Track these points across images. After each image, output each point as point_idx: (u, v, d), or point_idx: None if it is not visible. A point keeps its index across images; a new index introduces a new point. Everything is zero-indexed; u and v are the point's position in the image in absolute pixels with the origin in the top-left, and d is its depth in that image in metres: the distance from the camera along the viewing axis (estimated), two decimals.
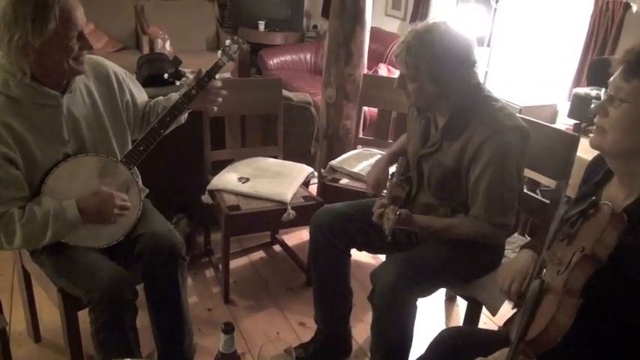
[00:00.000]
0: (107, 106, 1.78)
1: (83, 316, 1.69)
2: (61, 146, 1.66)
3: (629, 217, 1.08)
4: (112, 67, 1.84)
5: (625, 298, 1.10)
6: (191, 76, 1.88)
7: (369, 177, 2.09)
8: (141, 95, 1.95)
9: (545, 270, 1.20)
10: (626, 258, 1.07)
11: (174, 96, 1.89)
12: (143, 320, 1.86)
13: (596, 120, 1.17)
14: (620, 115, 1.11)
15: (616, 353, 1.15)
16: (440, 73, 1.65)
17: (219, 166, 2.66)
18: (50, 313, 2.11)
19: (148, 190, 1.93)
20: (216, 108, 1.93)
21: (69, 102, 1.67)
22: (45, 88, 1.58)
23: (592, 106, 1.19)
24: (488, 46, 3.73)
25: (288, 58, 5.62)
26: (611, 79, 1.15)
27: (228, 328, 1.19)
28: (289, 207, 2.40)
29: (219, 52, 1.91)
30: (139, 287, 1.81)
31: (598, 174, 1.30)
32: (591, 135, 1.20)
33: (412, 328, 1.74)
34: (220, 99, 1.90)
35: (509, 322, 1.46)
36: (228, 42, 1.93)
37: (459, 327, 1.93)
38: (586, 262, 1.06)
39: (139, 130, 1.95)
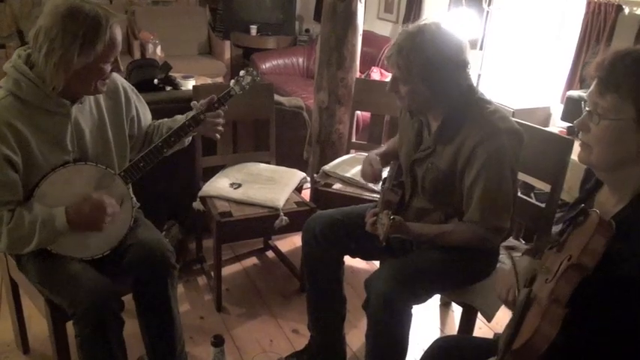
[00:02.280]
0: (112, 121, 1.79)
1: (72, 327, 1.65)
2: (63, 154, 1.66)
3: (619, 224, 1.06)
4: (121, 81, 1.84)
5: (613, 306, 1.08)
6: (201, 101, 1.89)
7: (363, 170, 2.04)
8: (145, 114, 1.96)
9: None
10: (614, 266, 1.06)
11: (180, 118, 1.91)
12: (134, 327, 1.83)
13: (580, 136, 1.17)
14: (600, 132, 1.10)
15: None
16: (432, 75, 1.63)
17: (211, 172, 2.64)
18: (39, 324, 2.07)
19: (139, 204, 1.91)
20: (218, 135, 1.93)
21: (77, 112, 1.67)
22: (57, 97, 1.59)
23: (575, 122, 1.18)
24: (480, 49, 3.72)
25: (280, 62, 5.61)
26: (588, 92, 1.14)
27: (218, 341, 1.16)
28: (282, 213, 2.37)
29: (232, 81, 1.96)
30: (129, 296, 1.79)
31: (592, 179, 1.28)
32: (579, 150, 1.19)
33: (407, 336, 1.72)
34: (220, 128, 1.90)
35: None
36: (242, 73, 1.98)
37: (454, 336, 1.91)
38: (572, 271, 1.05)
39: (139, 147, 1.95)
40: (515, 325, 1.08)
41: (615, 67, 1.07)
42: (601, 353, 1.13)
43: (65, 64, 1.49)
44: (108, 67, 1.59)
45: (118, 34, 1.57)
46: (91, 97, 1.72)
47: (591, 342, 1.13)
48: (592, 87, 1.12)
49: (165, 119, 1.99)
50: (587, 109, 1.14)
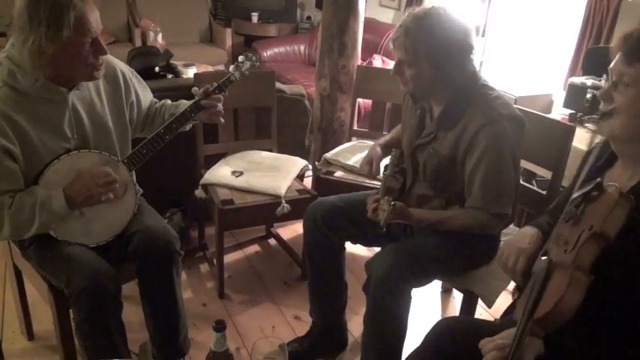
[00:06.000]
0: (112, 105, 1.79)
1: None
2: (63, 141, 1.66)
3: (636, 198, 1.08)
4: (120, 66, 1.83)
5: (633, 276, 1.10)
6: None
7: (363, 161, 2.05)
8: (146, 95, 1.95)
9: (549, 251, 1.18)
10: (632, 237, 1.08)
11: (184, 103, 1.90)
12: (137, 314, 1.85)
13: (601, 107, 1.18)
14: (626, 100, 1.11)
15: (625, 332, 1.14)
16: (438, 58, 1.62)
17: (213, 159, 2.64)
18: (43, 311, 2.08)
19: (142, 191, 1.92)
20: (222, 120, 1.93)
21: (75, 98, 1.67)
22: (53, 85, 1.58)
23: (598, 93, 1.18)
24: (483, 35, 3.71)
25: (282, 49, 5.58)
26: (612, 65, 1.15)
27: (220, 326, 1.17)
28: (283, 201, 2.38)
29: (232, 67, 1.96)
30: (133, 282, 1.80)
31: (594, 165, 1.29)
32: (597, 122, 1.22)
33: (406, 319, 1.72)
34: (221, 111, 1.91)
35: (505, 314, 1.45)
36: (241, 58, 1.97)
37: (456, 317, 1.92)
38: (595, 239, 1.06)
39: (140, 129, 1.96)
40: (536, 294, 1.08)
41: None
42: (620, 323, 1.14)
43: (37, 52, 1.47)
44: (86, 50, 1.54)
45: (89, 14, 1.51)
46: (90, 83, 1.71)
47: (611, 313, 1.14)
48: (617, 58, 1.13)
49: (169, 102, 1.99)
50: (610, 80, 1.14)
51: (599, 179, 1.15)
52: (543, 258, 1.14)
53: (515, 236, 1.40)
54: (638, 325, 1.13)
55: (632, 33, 1.12)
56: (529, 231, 1.37)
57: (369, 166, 2.00)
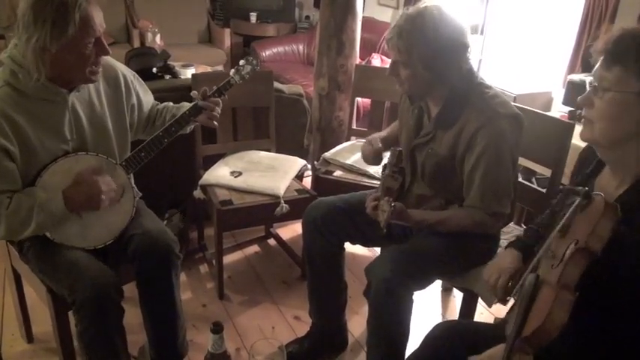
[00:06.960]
0: (112, 108, 1.78)
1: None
2: (61, 143, 1.65)
3: (622, 206, 1.07)
4: (122, 69, 1.83)
5: (621, 289, 1.08)
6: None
7: (363, 151, 2.02)
8: (147, 98, 1.95)
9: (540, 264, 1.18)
10: (620, 249, 1.06)
11: (186, 105, 1.90)
12: (136, 316, 1.84)
13: (583, 112, 1.18)
14: (605, 105, 1.11)
15: (613, 346, 1.13)
16: (433, 58, 1.62)
17: (211, 160, 2.63)
18: (42, 314, 2.07)
19: (141, 194, 1.91)
20: (216, 123, 1.93)
21: (75, 100, 1.66)
22: (54, 85, 1.58)
23: (578, 99, 1.20)
24: (481, 34, 3.70)
25: (280, 49, 5.58)
26: (594, 70, 1.15)
27: (217, 328, 1.17)
28: (282, 201, 2.37)
29: (232, 70, 1.97)
30: (132, 284, 1.80)
31: (590, 164, 1.28)
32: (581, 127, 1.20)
33: (409, 322, 1.72)
34: (216, 114, 1.90)
35: (509, 313, 1.44)
36: (242, 62, 1.99)
37: (454, 320, 1.92)
38: (580, 255, 1.05)
39: (142, 131, 1.96)
40: (523, 312, 1.07)
41: (622, 41, 1.09)
42: (609, 337, 1.13)
43: (41, 51, 1.47)
44: (89, 51, 1.55)
45: (94, 14, 1.52)
46: (91, 85, 1.71)
47: (599, 326, 1.13)
48: (598, 63, 1.14)
49: (171, 104, 1.98)
50: (592, 85, 1.15)
51: (586, 188, 1.14)
52: (531, 274, 1.13)
53: (498, 257, 1.47)
54: (628, 339, 1.11)
55: (611, 36, 1.12)
56: (510, 252, 1.42)
57: (371, 147, 1.96)
